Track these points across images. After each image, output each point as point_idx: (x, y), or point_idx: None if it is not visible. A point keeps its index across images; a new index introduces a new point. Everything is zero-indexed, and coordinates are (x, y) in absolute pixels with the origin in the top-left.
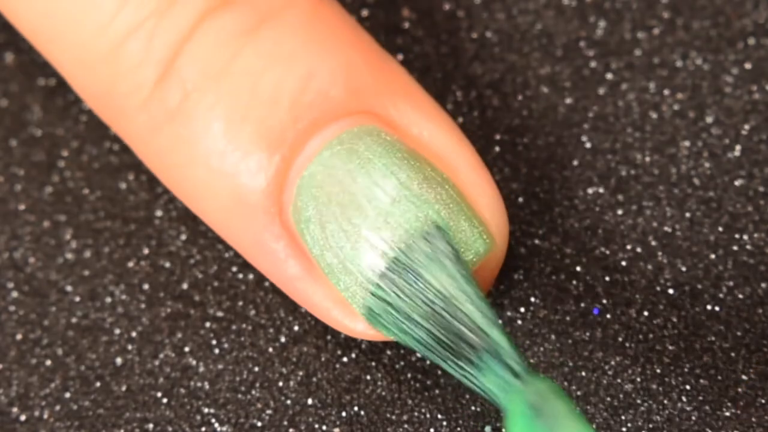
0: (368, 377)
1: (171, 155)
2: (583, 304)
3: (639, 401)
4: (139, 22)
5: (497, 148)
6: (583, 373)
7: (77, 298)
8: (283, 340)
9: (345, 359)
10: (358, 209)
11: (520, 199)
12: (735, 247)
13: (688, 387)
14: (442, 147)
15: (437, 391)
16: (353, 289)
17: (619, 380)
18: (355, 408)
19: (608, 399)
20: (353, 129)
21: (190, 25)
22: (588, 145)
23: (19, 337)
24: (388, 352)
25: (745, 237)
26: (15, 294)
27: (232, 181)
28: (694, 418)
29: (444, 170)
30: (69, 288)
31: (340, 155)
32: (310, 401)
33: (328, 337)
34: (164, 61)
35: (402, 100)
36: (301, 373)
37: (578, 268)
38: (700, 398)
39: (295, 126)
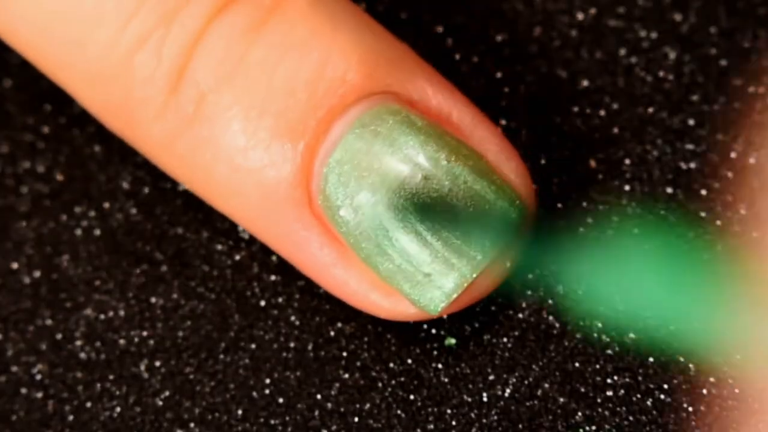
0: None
1: (193, 159)
2: None
3: None
4: (146, 33)
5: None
6: None
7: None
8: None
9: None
10: (390, 189)
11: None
12: None
13: None
14: (462, 119)
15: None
16: (393, 270)
17: None
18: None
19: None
20: (374, 110)
21: (198, 29)
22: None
23: None
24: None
25: None
26: None
27: (258, 175)
28: None
29: (468, 141)
30: None
31: (364, 137)
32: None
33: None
34: (176, 68)
35: (417, 76)
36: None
37: None
38: None
39: (315, 114)
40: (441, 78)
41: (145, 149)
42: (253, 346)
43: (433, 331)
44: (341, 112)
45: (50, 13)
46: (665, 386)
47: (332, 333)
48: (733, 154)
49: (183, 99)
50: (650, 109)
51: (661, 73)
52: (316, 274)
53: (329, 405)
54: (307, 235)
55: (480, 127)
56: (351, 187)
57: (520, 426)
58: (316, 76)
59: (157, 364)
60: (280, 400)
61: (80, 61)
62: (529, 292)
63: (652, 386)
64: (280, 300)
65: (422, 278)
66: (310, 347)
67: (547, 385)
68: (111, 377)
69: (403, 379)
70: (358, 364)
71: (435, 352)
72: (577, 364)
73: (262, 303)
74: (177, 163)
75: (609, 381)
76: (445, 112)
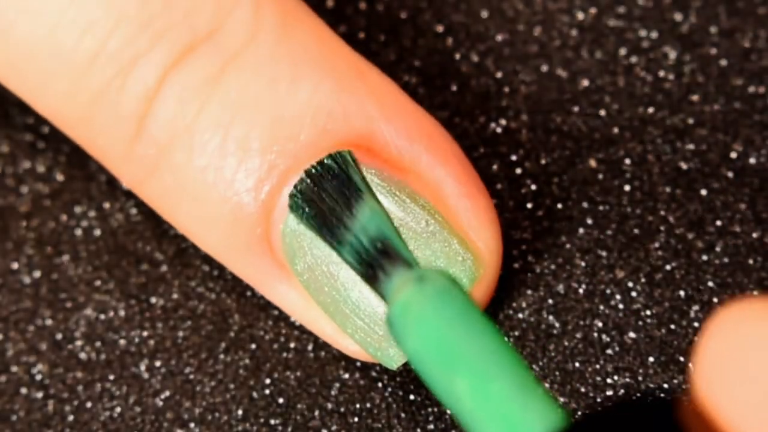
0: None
1: (159, 203)
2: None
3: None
4: (104, 84)
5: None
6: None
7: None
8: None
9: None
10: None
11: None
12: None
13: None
14: (423, 167)
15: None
16: (349, 326)
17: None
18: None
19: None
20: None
21: (155, 81)
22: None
23: None
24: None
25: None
26: None
27: (220, 229)
28: None
29: (425, 194)
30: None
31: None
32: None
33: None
34: (135, 119)
35: (378, 121)
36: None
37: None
38: None
39: (270, 175)
40: (409, 114)
41: (123, 182)
42: (253, 346)
43: None
44: (296, 172)
45: (6, 63)
46: (665, 386)
47: None
48: (733, 154)
49: (143, 151)
50: (650, 109)
51: (661, 73)
52: (291, 314)
53: (329, 405)
54: (274, 284)
55: (443, 176)
56: (306, 245)
57: None
58: (268, 137)
59: (157, 364)
60: (280, 400)
61: (48, 107)
62: (529, 292)
63: (652, 386)
64: None
65: (378, 337)
66: (310, 347)
67: (547, 385)
68: (111, 377)
69: (403, 379)
70: (358, 364)
71: None
72: (577, 364)
73: (262, 303)
74: (148, 201)
75: (609, 381)
76: (406, 159)
